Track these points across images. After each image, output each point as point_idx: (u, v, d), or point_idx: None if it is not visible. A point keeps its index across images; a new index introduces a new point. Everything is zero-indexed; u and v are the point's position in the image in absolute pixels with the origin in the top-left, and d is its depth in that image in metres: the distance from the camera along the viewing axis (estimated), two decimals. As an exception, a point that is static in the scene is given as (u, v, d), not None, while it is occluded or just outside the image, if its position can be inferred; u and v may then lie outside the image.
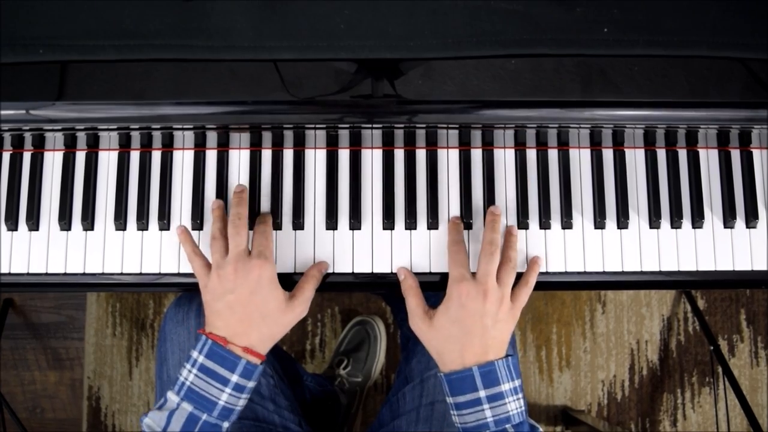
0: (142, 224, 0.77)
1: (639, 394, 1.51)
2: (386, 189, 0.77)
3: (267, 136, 0.76)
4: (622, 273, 0.77)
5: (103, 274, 0.76)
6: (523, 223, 0.77)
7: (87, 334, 1.51)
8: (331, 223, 0.76)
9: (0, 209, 0.77)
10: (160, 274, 0.76)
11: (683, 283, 0.78)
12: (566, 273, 0.77)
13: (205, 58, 0.69)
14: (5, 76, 0.68)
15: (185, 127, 0.73)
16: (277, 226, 0.77)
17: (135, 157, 0.78)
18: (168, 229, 0.77)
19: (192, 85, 0.69)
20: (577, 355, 1.51)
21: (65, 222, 0.77)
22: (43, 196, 0.77)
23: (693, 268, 0.77)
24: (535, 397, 1.51)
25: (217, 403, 0.67)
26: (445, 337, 0.69)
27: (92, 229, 0.77)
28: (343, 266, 0.76)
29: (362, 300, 1.51)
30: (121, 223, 0.77)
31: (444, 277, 0.73)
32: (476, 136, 0.76)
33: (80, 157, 0.78)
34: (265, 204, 0.77)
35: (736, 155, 0.79)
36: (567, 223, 0.77)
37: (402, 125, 0.73)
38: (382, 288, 0.77)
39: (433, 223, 0.77)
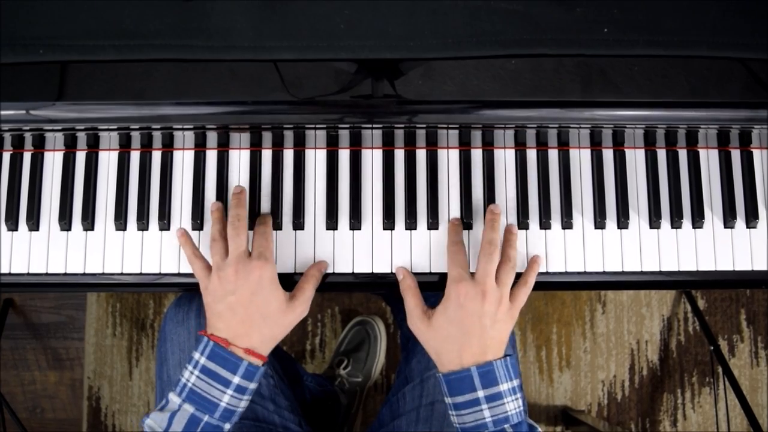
0: (143, 224, 0.77)
1: (639, 394, 1.51)
2: (386, 189, 0.77)
3: (267, 136, 0.76)
4: (622, 273, 0.77)
5: (103, 274, 0.76)
6: (523, 223, 0.77)
7: (87, 334, 1.51)
8: (332, 223, 0.76)
9: (0, 209, 0.77)
10: (160, 274, 0.76)
11: (683, 283, 0.78)
12: (566, 273, 0.77)
13: (205, 58, 0.69)
14: (5, 76, 0.68)
15: (185, 127, 0.73)
16: (278, 226, 0.77)
17: (135, 157, 0.78)
18: (168, 229, 0.77)
19: (192, 85, 0.69)
20: (577, 355, 1.51)
21: (65, 222, 0.77)
22: (43, 196, 0.77)
23: (693, 268, 0.77)
24: (535, 397, 1.51)
25: (219, 404, 0.67)
26: (443, 337, 0.69)
27: (92, 229, 0.77)
28: (343, 266, 0.76)
29: (362, 300, 1.51)
30: (121, 223, 0.77)
31: (443, 277, 0.73)
32: (476, 136, 0.76)
33: (80, 157, 0.78)
34: (265, 204, 0.77)
35: (736, 155, 0.79)
36: (567, 223, 0.77)
37: (402, 125, 0.73)
38: (382, 288, 0.77)
39: (433, 223, 0.77)
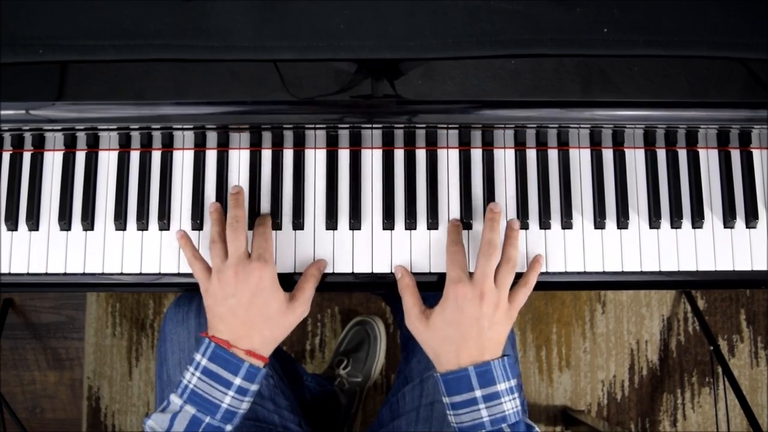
0: (142, 224, 0.77)
1: (639, 394, 1.51)
2: (386, 189, 0.77)
3: (267, 136, 0.76)
4: (622, 273, 0.77)
5: (103, 274, 0.76)
6: (523, 223, 0.77)
7: (87, 334, 1.51)
8: (331, 223, 0.76)
9: (0, 209, 0.77)
10: (159, 274, 0.76)
11: (683, 283, 0.78)
12: (566, 273, 0.76)
13: (205, 58, 0.69)
14: (5, 76, 0.68)
15: (185, 127, 0.73)
16: (277, 226, 0.77)
17: (135, 157, 0.78)
18: (168, 229, 0.77)
19: (192, 85, 0.69)
20: (577, 355, 1.51)
21: (65, 222, 0.77)
22: (43, 196, 0.77)
23: (693, 268, 0.77)
24: (535, 397, 1.51)
25: (220, 405, 0.67)
26: (441, 338, 0.70)
27: (92, 229, 0.77)
28: (342, 266, 0.76)
29: (362, 300, 1.51)
30: (121, 223, 0.77)
31: (442, 277, 0.73)
32: (476, 136, 0.76)
33: (80, 157, 0.78)
34: (265, 204, 0.77)
35: (736, 155, 0.79)
36: (567, 223, 0.77)
37: (402, 125, 0.73)
38: (382, 288, 0.77)
39: (432, 223, 0.76)
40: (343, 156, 0.78)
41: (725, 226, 0.78)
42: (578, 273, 0.76)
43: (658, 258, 0.77)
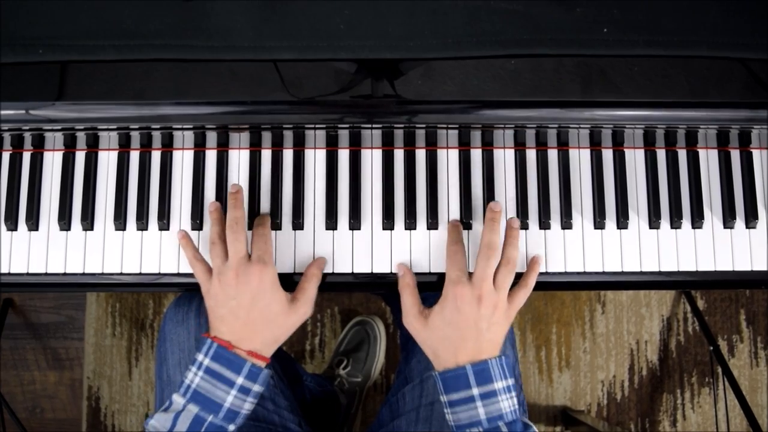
0: (142, 224, 0.77)
1: (639, 395, 1.51)
2: (386, 189, 0.77)
3: (267, 136, 0.76)
4: (622, 273, 0.77)
5: (102, 274, 0.76)
6: (522, 224, 0.77)
7: (87, 334, 1.51)
8: (331, 223, 0.76)
9: (0, 209, 0.77)
10: (159, 274, 0.76)
11: (683, 284, 0.78)
12: (566, 273, 0.77)
13: (205, 58, 0.69)
14: (5, 76, 0.68)
15: (185, 127, 0.73)
16: (277, 226, 0.77)
17: (135, 157, 0.78)
18: (168, 229, 0.77)
19: (192, 85, 0.69)
20: (577, 355, 1.51)
21: (65, 222, 0.76)
22: (42, 196, 0.77)
23: (693, 269, 0.77)
24: (535, 397, 1.51)
25: (223, 405, 0.67)
26: (439, 338, 0.70)
27: (92, 229, 0.77)
28: (342, 266, 0.76)
29: (362, 300, 1.51)
30: (120, 223, 0.77)
31: (442, 277, 0.73)
32: (476, 136, 0.76)
33: (80, 157, 0.78)
34: (265, 204, 0.77)
35: (735, 155, 0.79)
36: (567, 224, 0.77)
37: (402, 125, 0.73)
38: (382, 288, 0.77)
39: (432, 224, 0.76)
40: (343, 156, 0.78)
41: (725, 227, 0.78)
42: (578, 273, 0.76)
43: (658, 258, 0.77)
